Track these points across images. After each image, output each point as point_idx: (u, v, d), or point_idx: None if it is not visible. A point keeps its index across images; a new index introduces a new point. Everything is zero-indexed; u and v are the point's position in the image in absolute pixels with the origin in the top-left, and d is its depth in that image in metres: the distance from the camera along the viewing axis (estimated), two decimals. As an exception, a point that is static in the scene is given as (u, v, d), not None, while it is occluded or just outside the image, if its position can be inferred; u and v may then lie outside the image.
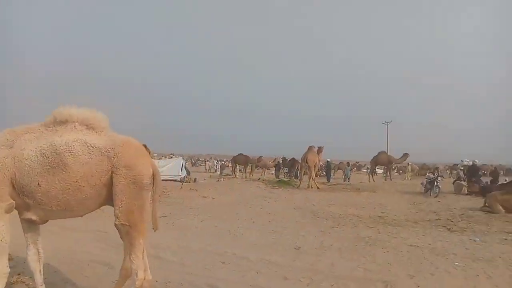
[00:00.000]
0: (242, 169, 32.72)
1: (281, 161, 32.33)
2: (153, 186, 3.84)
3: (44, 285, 4.07)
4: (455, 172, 28.44)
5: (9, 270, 3.73)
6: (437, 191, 16.16)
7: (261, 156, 33.10)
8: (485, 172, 33.97)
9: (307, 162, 21.17)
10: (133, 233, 3.70)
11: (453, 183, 18.79)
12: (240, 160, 30.19)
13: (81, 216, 4.05)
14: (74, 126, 3.83)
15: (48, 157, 3.60)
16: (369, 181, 24.85)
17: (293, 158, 31.27)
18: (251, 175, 30.29)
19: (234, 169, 30.42)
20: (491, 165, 37.16)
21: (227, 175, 30.05)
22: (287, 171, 32.61)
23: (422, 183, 17.81)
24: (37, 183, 3.58)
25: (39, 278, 4.02)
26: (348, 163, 36.59)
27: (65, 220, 5.15)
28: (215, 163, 44.58)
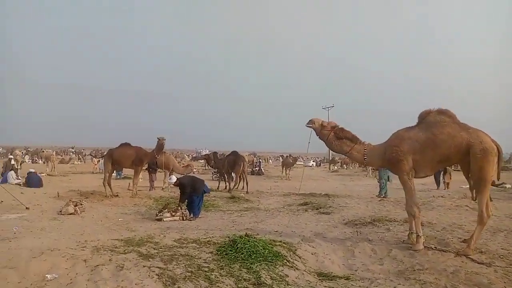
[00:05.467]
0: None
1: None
2: None
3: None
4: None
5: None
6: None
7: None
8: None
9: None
10: None
11: None
12: (123, 156, 13.99)
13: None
14: None
15: None
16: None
17: (235, 152, 17.56)
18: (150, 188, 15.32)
19: (109, 177, 13.93)
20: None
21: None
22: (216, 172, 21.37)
23: None
24: None
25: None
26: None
27: None
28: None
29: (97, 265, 4.39)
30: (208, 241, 5.96)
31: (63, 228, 8.25)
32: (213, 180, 21.77)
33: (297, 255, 5.68)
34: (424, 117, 6.57)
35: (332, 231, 8.08)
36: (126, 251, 5.06)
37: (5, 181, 14.77)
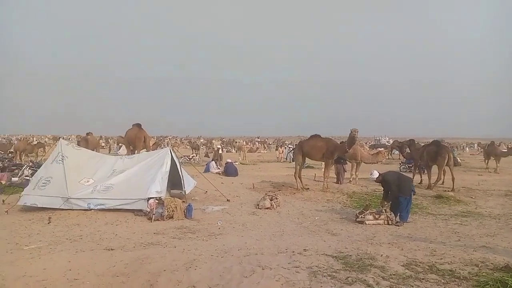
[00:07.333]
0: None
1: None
2: None
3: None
4: None
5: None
6: None
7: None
8: None
9: None
10: None
11: None
12: (314, 148, 13.18)
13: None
14: None
15: None
16: None
17: (437, 141, 15.17)
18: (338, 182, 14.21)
19: (300, 169, 13.24)
20: None
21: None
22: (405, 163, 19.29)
23: None
24: None
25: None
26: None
27: None
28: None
29: (321, 301, 3.43)
30: (450, 271, 4.38)
31: (263, 225, 7.96)
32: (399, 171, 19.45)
33: None
34: None
35: None
36: (349, 279, 3.97)
37: (207, 170, 16.13)
